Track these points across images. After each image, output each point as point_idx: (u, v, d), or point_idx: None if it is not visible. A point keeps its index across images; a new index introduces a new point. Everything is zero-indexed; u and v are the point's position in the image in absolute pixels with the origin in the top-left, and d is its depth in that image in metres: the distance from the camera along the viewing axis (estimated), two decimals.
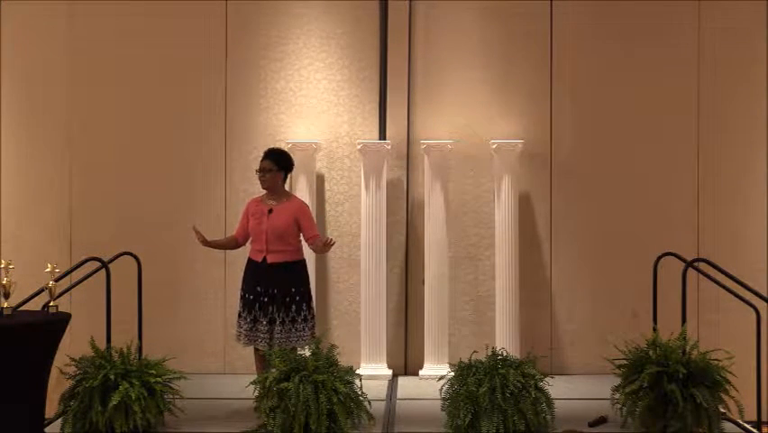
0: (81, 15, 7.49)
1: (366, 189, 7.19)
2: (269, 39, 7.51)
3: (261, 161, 6.14)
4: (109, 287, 6.37)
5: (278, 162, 6.11)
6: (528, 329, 7.30)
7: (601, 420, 5.84)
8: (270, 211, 6.04)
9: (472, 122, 7.44)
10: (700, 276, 6.58)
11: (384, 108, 7.43)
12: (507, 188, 7.16)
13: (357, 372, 5.90)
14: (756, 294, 6.25)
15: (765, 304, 6.25)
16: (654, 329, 6.08)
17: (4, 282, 5.41)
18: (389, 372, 7.17)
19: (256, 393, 5.66)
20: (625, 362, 5.80)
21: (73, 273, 6.49)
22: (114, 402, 5.45)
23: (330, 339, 6.82)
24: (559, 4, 7.44)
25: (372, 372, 7.04)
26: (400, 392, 6.77)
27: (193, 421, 5.89)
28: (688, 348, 5.76)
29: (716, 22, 7.40)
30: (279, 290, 5.95)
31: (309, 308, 6.07)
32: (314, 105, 7.50)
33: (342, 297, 7.47)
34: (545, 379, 5.66)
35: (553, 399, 5.64)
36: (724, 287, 6.32)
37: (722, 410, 5.68)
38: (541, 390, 5.59)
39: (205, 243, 6.12)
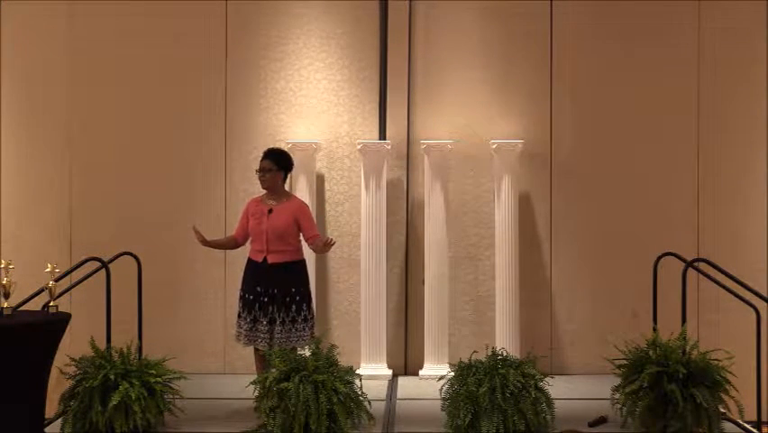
0: (81, 15, 7.49)
1: (366, 189, 7.19)
2: (269, 39, 7.51)
3: (261, 160, 6.14)
4: (109, 287, 6.37)
5: (278, 162, 6.11)
6: (528, 329, 7.30)
7: (601, 420, 5.84)
8: (270, 211, 6.04)
9: (472, 122, 7.44)
10: (700, 276, 6.58)
11: (384, 108, 7.43)
12: (507, 188, 7.16)
13: (357, 372, 5.90)
14: (756, 294, 6.25)
15: (765, 304, 6.25)
16: (654, 329, 6.08)
17: (4, 282, 5.41)
18: (389, 372, 7.17)
19: (256, 393, 5.66)
20: (625, 362, 5.80)
21: (73, 273, 6.49)
22: (114, 402, 5.45)
23: (330, 339, 6.82)
24: (559, 4, 7.44)
25: (372, 372, 7.04)
26: (400, 392, 6.77)
27: (193, 421, 5.89)
28: (688, 348, 5.76)
29: (716, 22, 7.40)
30: (280, 290, 5.95)
31: (309, 308, 6.07)
32: (314, 105, 7.50)
33: (342, 297, 7.47)
34: (545, 379, 5.66)
35: (553, 399, 5.64)
36: (724, 287, 6.32)
37: (722, 410, 5.68)
38: (541, 390, 5.59)
39: (205, 242, 6.12)
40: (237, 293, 6.18)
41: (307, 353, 5.81)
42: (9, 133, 7.57)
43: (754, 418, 6.13)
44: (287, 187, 6.33)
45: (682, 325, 6.08)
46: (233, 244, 6.30)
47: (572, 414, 5.95)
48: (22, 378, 5.22)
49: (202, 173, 7.49)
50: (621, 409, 5.72)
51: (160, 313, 7.21)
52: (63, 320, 5.49)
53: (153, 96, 7.48)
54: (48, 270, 5.64)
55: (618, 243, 7.38)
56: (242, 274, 6.17)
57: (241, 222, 6.23)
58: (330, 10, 7.50)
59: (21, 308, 5.70)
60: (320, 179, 7.46)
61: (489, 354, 5.72)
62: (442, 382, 5.77)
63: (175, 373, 5.84)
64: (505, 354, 5.77)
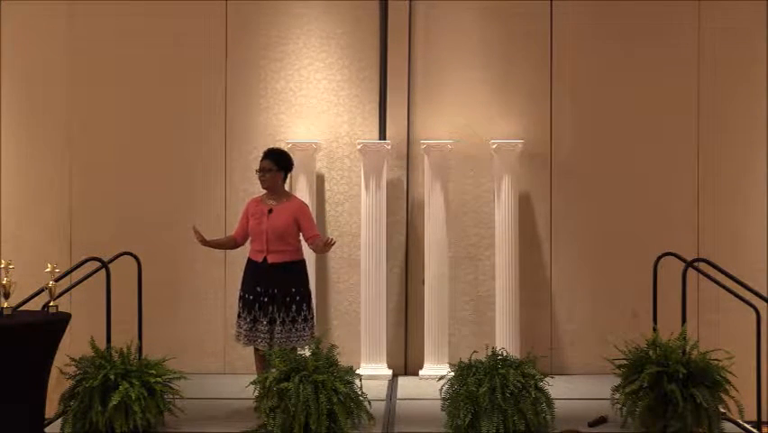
0: (81, 15, 7.49)
1: (366, 189, 7.19)
2: (269, 39, 7.51)
3: (261, 160, 6.14)
4: (109, 287, 6.36)
5: (278, 162, 6.11)
6: (528, 329, 7.29)
7: (601, 420, 5.84)
8: (270, 211, 6.04)
9: (472, 122, 7.44)
10: (700, 276, 6.58)
11: (384, 108, 7.43)
12: (507, 188, 7.16)
13: (357, 372, 5.90)
14: (756, 294, 6.25)
15: (765, 304, 6.25)
16: (654, 329, 6.08)
17: (4, 282, 5.41)
18: (389, 372, 7.17)
19: (256, 393, 5.66)
20: (625, 362, 5.79)
21: (73, 273, 6.49)
22: (114, 402, 5.45)
23: (330, 339, 6.82)
24: (559, 4, 7.44)
25: (372, 372, 7.04)
26: (400, 392, 6.77)
27: (193, 421, 5.89)
28: (688, 348, 5.76)
29: (716, 22, 7.40)
30: (280, 290, 5.95)
31: (309, 308, 6.07)
32: (314, 105, 7.50)
33: (342, 297, 7.47)
34: (545, 379, 5.66)
35: (553, 399, 5.64)
36: (724, 287, 6.32)
37: (722, 410, 5.67)
38: (541, 390, 5.59)
39: (205, 242, 6.12)
40: (237, 293, 6.18)
41: (307, 353, 5.81)
42: (9, 133, 7.57)
43: (754, 418, 6.13)
44: (287, 187, 6.33)
45: (682, 325, 6.08)
46: (232, 244, 6.29)
47: (572, 414, 5.95)
48: (22, 378, 5.22)
49: (202, 173, 7.48)
50: (621, 409, 5.72)
51: (160, 313, 7.21)
52: (63, 320, 5.49)
53: (153, 96, 7.48)
54: (48, 270, 5.64)
55: (618, 243, 7.39)
56: (241, 274, 6.17)
57: (240, 222, 6.23)
58: (330, 10, 7.50)
59: (21, 308, 5.69)
60: (320, 179, 7.46)
61: (489, 354, 5.72)
62: (442, 382, 5.77)
63: (175, 373, 5.84)
64: (505, 354, 5.77)
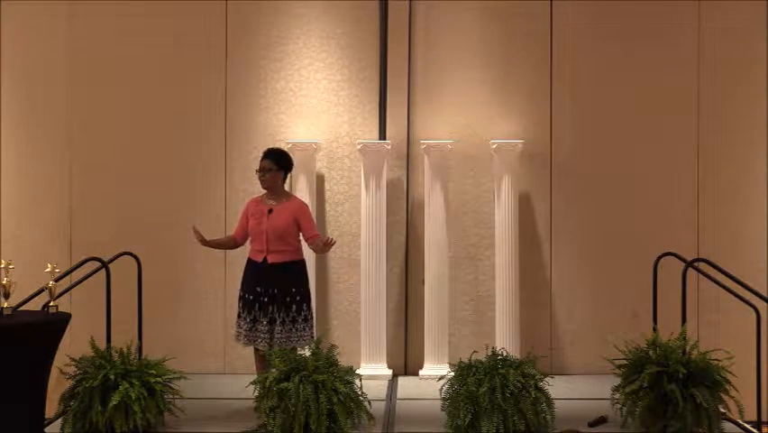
0: (81, 15, 7.49)
1: (366, 189, 7.19)
2: (269, 39, 7.51)
3: (261, 160, 6.14)
4: (109, 287, 6.36)
5: (278, 162, 6.11)
6: (528, 329, 7.29)
7: (601, 420, 5.84)
8: (270, 211, 6.04)
9: (472, 122, 7.44)
10: (700, 276, 6.58)
11: (384, 108, 7.43)
12: (507, 188, 7.16)
13: (357, 372, 5.90)
14: (756, 294, 6.25)
15: (765, 304, 6.25)
16: (654, 329, 6.08)
17: (4, 282, 5.41)
18: (389, 372, 7.17)
19: (256, 393, 5.66)
20: (625, 362, 5.79)
21: (73, 273, 6.49)
22: (114, 402, 5.45)
23: (330, 339, 6.82)
24: (559, 4, 7.44)
25: (372, 372, 7.04)
26: (400, 392, 6.77)
27: (193, 421, 5.89)
28: (688, 348, 5.76)
29: (716, 22, 7.40)
30: (280, 290, 5.95)
31: (309, 308, 6.07)
32: (314, 105, 7.50)
33: (342, 297, 7.47)
34: (545, 379, 5.65)
35: (553, 399, 5.64)
36: (724, 287, 6.32)
37: (722, 410, 5.67)
38: (541, 390, 5.59)
39: (204, 242, 6.11)
40: (237, 293, 6.18)
41: (307, 353, 5.81)
42: (9, 133, 7.57)
43: (754, 418, 6.13)
44: (287, 187, 6.34)
45: (682, 325, 6.08)
46: (232, 243, 6.29)
47: (572, 414, 5.95)
48: (22, 378, 5.22)
49: (202, 173, 7.49)
50: (621, 409, 5.72)
51: (160, 313, 7.21)
52: (63, 320, 5.49)
53: (153, 96, 7.48)
54: (48, 270, 5.63)
55: (618, 243, 7.38)
56: (241, 274, 6.17)
57: (240, 222, 6.23)
58: (330, 10, 7.50)
59: (21, 308, 5.69)
60: (320, 179, 7.46)
61: (489, 354, 5.72)
62: (442, 382, 5.77)
63: (175, 373, 5.84)
64: (505, 354, 5.77)
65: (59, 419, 5.73)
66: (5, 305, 5.37)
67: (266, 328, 5.95)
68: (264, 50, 7.50)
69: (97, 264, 6.37)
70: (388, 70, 7.42)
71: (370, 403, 5.74)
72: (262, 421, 5.54)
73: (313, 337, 6.05)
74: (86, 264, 6.45)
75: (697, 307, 7.17)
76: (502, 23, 7.46)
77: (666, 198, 7.42)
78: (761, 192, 7.45)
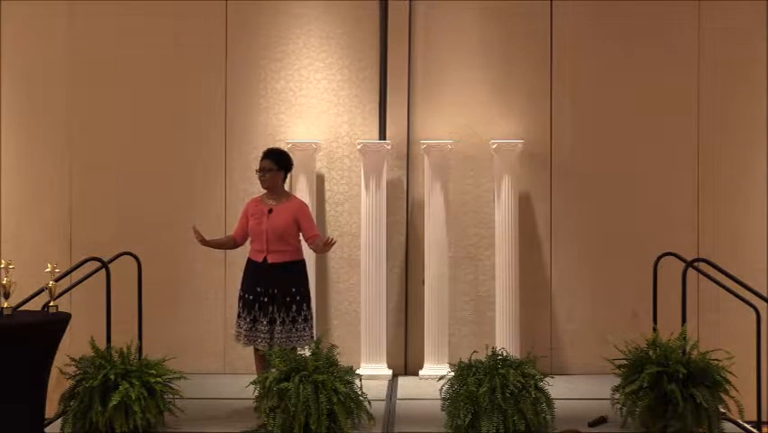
0: (81, 15, 7.49)
1: (366, 189, 7.19)
2: (269, 39, 7.51)
3: (261, 160, 6.14)
4: (109, 287, 6.36)
5: (279, 162, 6.11)
6: (528, 329, 7.30)
7: (601, 420, 5.84)
8: (270, 211, 6.04)
9: (472, 122, 7.44)
10: (700, 276, 6.58)
11: (384, 108, 7.43)
12: (507, 188, 7.16)
13: (357, 372, 5.90)
14: (756, 294, 6.25)
15: (765, 304, 6.25)
16: (654, 329, 6.08)
17: (4, 282, 5.41)
18: (389, 372, 7.17)
19: (256, 393, 5.66)
20: (625, 362, 5.79)
21: (73, 273, 6.48)
22: (114, 402, 5.45)
23: (330, 339, 6.82)
24: (559, 4, 7.44)
25: (372, 372, 7.04)
26: (400, 392, 6.77)
27: (193, 421, 5.89)
28: (688, 348, 5.76)
29: (716, 22, 7.40)
30: (280, 290, 5.95)
31: (309, 308, 6.07)
32: (314, 105, 7.50)
33: (343, 297, 7.47)
34: (545, 379, 5.65)
35: (553, 399, 5.63)
36: (724, 287, 6.32)
37: (722, 410, 5.67)
38: (541, 390, 5.59)
39: (204, 242, 6.11)
40: (237, 293, 6.18)
41: (307, 353, 5.81)
42: (9, 133, 7.57)
43: (754, 418, 6.13)
44: (286, 187, 6.34)
45: (682, 325, 6.08)
46: (232, 244, 6.29)
47: (572, 414, 5.95)
48: (22, 378, 5.22)
49: (202, 173, 7.49)
50: (621, 409, 5.71)
51: (160, 313, 7.21)
52: (63, 320, 5.49)
53: (153, 96, 7.48)
54: (48, 270, 5.63)
55: (618, 243, 7.38)
56: (241, 274, 6.17)
57: (240, 222, 6.23)
58: (330, 10, 7.50)
59: (21, 308, 5.69)
60: (320, 179, 7.46)
61: (489, 354, 5.72)
62: (442, 382, 5.77)
63: (175, 373, 5.83)
64: (505, 354, 5.76)
65: (59, 419, 5.73)
66: (5, 305, 5.37)
67: (266, 328, 5.95)
68: (264, 50, 7.50)
69: (97, 264, 6.37)
70: (388, 70, 7.42)
71: (370, 403, 5.74)
72: (262, 421, 5.54)
73: (313, 337, 6.05)
74: (86, 264, 6.45)
75: (697, 307, 7.17)
76: (502, 22, 7.46)
77: (666, 198, 7.41)
78: (761, 192, 7.45)
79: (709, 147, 7.42)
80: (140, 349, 6.22)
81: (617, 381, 5.83)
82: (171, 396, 5.80)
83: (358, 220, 7.34)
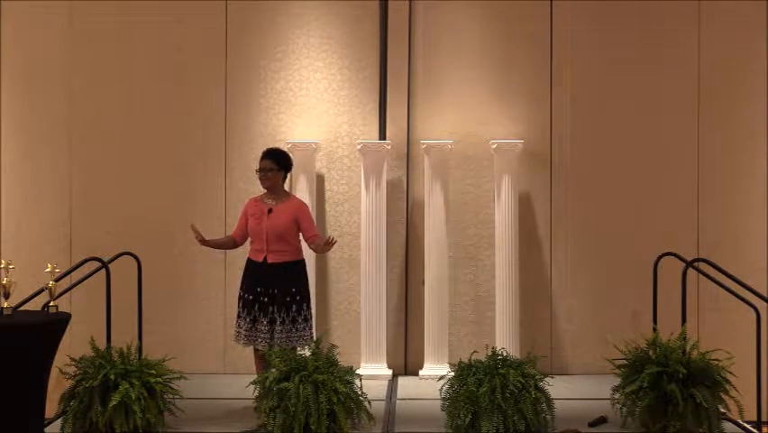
0: (81, 15, 7.49)
1: (366, 189, 7.19)
2: (269, 39, 7.50)
3: (261, 160, 6.14)
4: (109, 287, 6.36)
5: (279, 162, 6.11)
6: (528, 329, 7.30)
7: (601, 420, 5.84)
8: (270, 211, 6.04)
9: (472, 122, 7.44)
10: (700, 276, 6.58)
11: (384, 108, 7.43)
12: (507, 188, 7.16)
13: (357, 372, 5.90)
14: (756, 294, 6.25)
15: (765, 304, 6.25)
16: (654, 329, 6.08)
17: (4, 282, 5.41)
18: (389, 372, 7.17)
19: (256, 393, 5.66)
20: (625, 362, 5.80)
21: (73, 273, 6.49)
22: (114, 402, 5.45)
23: (330, 339, 6.82)
24: (559, 4, 7.44)
25: (372, 372, 7.04)
26: (400, 392, 6.77)
27: (193, 421, 5.89)
28: (688, 348, 5.76)
29: (716, 22, 7.40)
30: (280, 290, 5.95)
31: (309, 308, 6.08)
32: (314, 105, 7.50)
33: (343, 297, 7.47)
34: (545, 379, 5.66)
35: (553, 399, 5.64)
36: (724, 287, 6.32)
37: (722, 410, 5.67)
38: (541, 390, 5.59)
39: (203, 242, 6.11)
40: (237, 293, 6.18)
41: (307, 353, 5.81)
42: (9, 133, 7.57)
43: (754, 418, 6.12)
44: (286, 187, 6.34)
45: (682, 325, 6.09)
46: (231, 243, 6.29)
47: (572, 414, 5.95)
48: (22, 378, 5.22)
49: (202, 173, 7.48)
50: (621, 409, 5.72)
51: (160, 313, 7.21)
52: (63, 320, 5.49)
53: (153, 96, 7.47)
54: (48, 270, 5.63)
55: (618, 242, 7.38)
56: (241, 274, 6.17)
57: (240, 222, 6.23)
58: (330, 10, 7.50)
59: (21, 308, 5.69)
60: (320, 179, 7.46)
61: (489, 354, 5.73)
62: (442, 382, 5.77)
63: (175, 373, 5.84)
64: (505, 354, 5.77)
65: (59, 419, 5.73)
66: (5, 305, 5.37)
67: (266, 328, 5.95)
68: (264, 50, 7.50)
69: (97, 264, 6.37)
70: (388, 70, 7.42)
71: (370, 403, 5.74)
72: (262, 421, 5.54)
73: (313, 337, 6.05)
74: (86, 264, 6.45)
75: (697, 307, 7.17)
76: (502, 23, 7.46)
77: (666, 198, 7.41)
78: (761, 192, 7.45)
79: (709, 147, 7.42)
80: (140, 349, 6.22)
81: (617, 381, 5.83)
82: (171, 396, 5.79)
83: (358, 220, 7.34)
